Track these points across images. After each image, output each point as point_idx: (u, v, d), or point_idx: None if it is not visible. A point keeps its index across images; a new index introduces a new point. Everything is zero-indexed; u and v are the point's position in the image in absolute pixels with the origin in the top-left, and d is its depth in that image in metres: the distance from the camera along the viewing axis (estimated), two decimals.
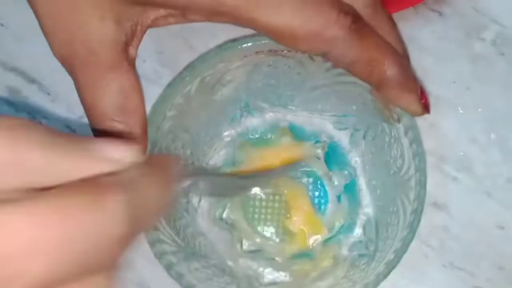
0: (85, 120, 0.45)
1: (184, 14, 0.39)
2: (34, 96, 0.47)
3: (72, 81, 0.37)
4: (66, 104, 0.46)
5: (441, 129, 0.45)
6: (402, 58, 0.39)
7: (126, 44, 0.37)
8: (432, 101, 0.42)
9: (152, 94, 0.41)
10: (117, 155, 0.24)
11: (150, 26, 0.39)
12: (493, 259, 0.44)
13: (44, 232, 0.20)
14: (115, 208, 0.22)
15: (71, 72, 0.37)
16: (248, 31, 0.43)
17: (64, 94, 0.46)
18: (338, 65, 0.38)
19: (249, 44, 0.40)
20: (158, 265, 0.40)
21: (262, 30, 0.37)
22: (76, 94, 0.38)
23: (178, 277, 0.40)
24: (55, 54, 0.37)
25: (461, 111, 0.45)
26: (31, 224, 0.20)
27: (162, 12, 0.39)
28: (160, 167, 0.27)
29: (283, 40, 0.38)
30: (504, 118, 0.45)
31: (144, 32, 0.39)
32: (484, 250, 0.44)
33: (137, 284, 0.45)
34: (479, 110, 0.45)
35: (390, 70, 0.37)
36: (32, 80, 0.47)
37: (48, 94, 0.47)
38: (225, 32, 0.44)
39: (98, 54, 0.36)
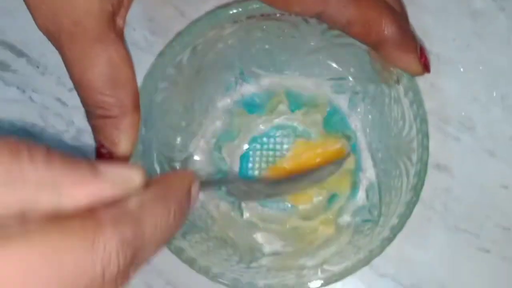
0: (75, 92, 0.44)
1: None
2: (23, 70, 0.46)
3: None
4: (56, 77, 0.45)
5: (442, 88, 0.44)
6: (400, 16, 0.38)
7: (113, 15, 0.36)
8: (432, 60, 0.42)
9: (143, 62, 0.40)
10: (119, 177, 0.24)
11: None
12: (498, 220, 0.44)
13: (33, 276, 0.20)
14: (110, 248, 0.22)
15: (58, 46, 0.36)
16: None
17: (54, 66, 0.45)
18: (334, 26, 0.37)
19: (240, 9, 0.39)
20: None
21: None
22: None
23: (178, 252, 0.39)
24: (40, 28, 0.36)
25: (462, 70, 0.44)
26: (21, 268, 0.20)
27: None
28: (169, 191, 0.26)
29: (275, 2, 0.36)
30: (506, 75, 0.44)
31: (131, 1, 0.38)
32: (488, 211, 0.44)
33: None
34: (480, 67, 0.44)
35: (388, 29, 0.36)
36: (20, 53, 0.46)
37: (37, 67, 0.46)
38: None
39: (84, 26, 0.35)
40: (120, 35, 0.37)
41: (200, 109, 0.44)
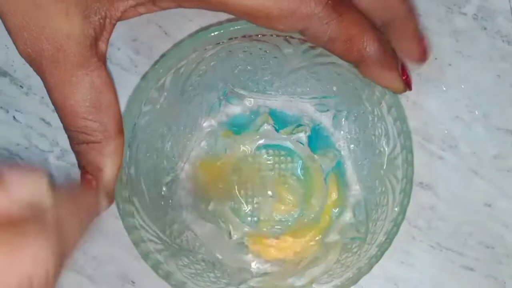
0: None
1: (154, 1, 0.37)
2: (6, 89, 0.46)
3: None
4: (40, 96, 0.45)
5: (424, 107, 0.44)
6: (381, 35, 0.38)
7: (95, 39, 0.36)
8: (414, 79, 0.42)
9: (127, 82, 0.41)
10: (30, 190, 0.26)
11: (120, 18, 0.38)
12: (481, 238, 0.44)
13: None
14: (37, 252, 0.24)
15: (39, 71, 0.36)
16: (222, 14, 0.42)
17: (37, 86, 0.45)
18: (316, 44, 0.38)
19: (222, 31, 0.39)
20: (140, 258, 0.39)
21: (235, 13, 0.36)
22: None
23: (167, 276, 0.39)
24: (21, 53, 0.36)
25: (444, 88, 0.45)
26: None
27: (131, 2, 0.37)
28: (80, 196, 0.28)
29: (258, 20, 0.37)
30: (488, 94, 0.45)
31: (114, 25, 0.38)
32: (471, 229, 0.44)
33: (120, 278, 0.45)
34: (462, 86, 0.45)
35: (369, 47, 0.37)
36: (3, 73, 0.46)
37: (21, 86, 0.46)
38: (199, 16, 0.43)
39: (66, 51, 0.35)
40: (102, 60, 0.37)
41: (185, 131, 0.44)
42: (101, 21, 0.36)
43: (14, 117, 0.45)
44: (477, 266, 0.44)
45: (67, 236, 0.26)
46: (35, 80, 0.44)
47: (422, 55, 0.40)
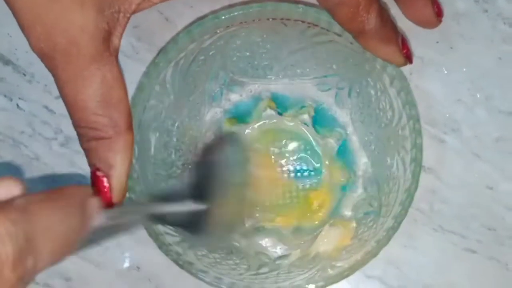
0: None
1: None
2: (10, 78, 0.46)
3: None
4: (43, 84, 0.46)
5: (426, 91, 0.44)
6: (383, 9, 0.38)
7: (109, 33, 0.36)
8: (416, 62, 0.42)
9: (130, 70, 0.41)
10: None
11: (134, 11, 0.38)
12: (483, 220, 0.44)
13: None
14: (1, 229, 0.23)
15: (51, 66, 0.36)
16: (222, 1, 0.42)
17: (40, 74, 0.45)
18: (324, 4, 0.38)
19: (217, 19, 0.39)
20: (147, 245, 0.40)
21: None
22: None
23: (188, 266, 0.39)
24: (33, 49, 0.36)
25: (445, 72, 0.45)
26: None
27: None
28: (61, 196, 0.27)
29: None
30: (489, 76, 0.45)
31: (128, 19, 0.37)
32: (473, 212, 0.44)
33: (125, 263, 0.45)
34: (464, 69, 0.45)
35: (371, 19, 0.37)
36: (6, 61, 0.46)
37: (24, 74, 0.46)
38: (200, 2, 0.43)
39: (79, 45, 0.35)
40: (115, 54, 0.37)
41: (189, 122, 0.44)
42: (115, 15, 0.36)
43: (17, 105, 0.46)
44: (479, 249, 0.44)
45: (41, 225, 0.25)
46: (38, 68, 0.45)
47: (437, 17, 0.40)
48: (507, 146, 0.44)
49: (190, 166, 0.43)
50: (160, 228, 0.39)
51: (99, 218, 0.29)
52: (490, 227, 0.44)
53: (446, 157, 0.44)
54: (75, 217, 0.27)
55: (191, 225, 0.36)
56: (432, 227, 0.44)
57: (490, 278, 0.44)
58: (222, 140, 0.43)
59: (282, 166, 0.45)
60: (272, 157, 0.45)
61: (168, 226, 0.39)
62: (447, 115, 0.45)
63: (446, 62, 0.45)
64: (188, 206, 0.36)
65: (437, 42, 0.44)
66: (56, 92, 0.43)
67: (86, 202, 0.28)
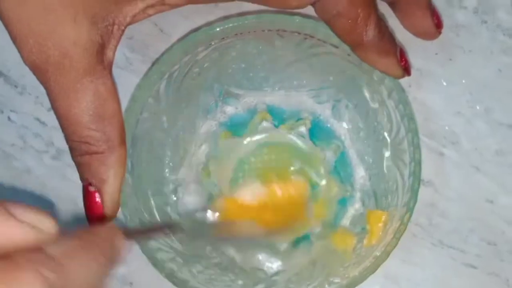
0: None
1: (163, 0, 0.37)
2: (0, 89, 0.45)
3: None
4: (34, 96, 0.45)
5: (425, 103, 0.44)
6: (381, 20, 0.38)
7: (102, 46, 0.36)
8: (414, 74, 0.42)
9: (123, 81, 0.40)
10: (35, 219, 0.23)
11: (129, 24, 0.37)
12: (483, 235, 0.43)
13: None
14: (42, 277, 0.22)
15: (44, 79, 0.36)
16: (218, 11, 0.41)
17: (32, 86, 0.45)
18: (322, 16, 0.37)
19: (212, 31, 0.39)
20: (140, 260, 0.39)
21: None
22: None
23: (182, 284, 0.39)
24: (25, 61, 0.35)
25: (444, 83, 0.44)
26: None
27: (140, 5, 0.37)
28: (93, 242, 0.26)
29: (270, 2, 0.37)
30: (489, 88, 0.44)
31: (123, 32, 0.37)
32: (473, 226, 0.43)
33: (118, 280, 0.44)
34: (463, 81, 0.44)
35: (370, 31, 0.37)
36: None
37: (15, 86, 0.45)
38: (195, 13, 0.43)
39: (72, 57, 0.35)
40: (108, 68, 0.36)
41: (184, 136, 0.43)
42: (109, 27, 0.36)
43: (8, 117, 0.45)
44: (479, 264, 0.43)
45: (74, 279, 0.24)
46: (30, 80, 0.44)
47: (437, 28, 0.40)
48: (507, 159, 0.44)
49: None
50: (154, 244, 0.39)
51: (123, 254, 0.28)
52: (490, 241, 0.43)
53: (445, 170, 0.44)
54: (105, 265, 0.26)
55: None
56: (431, 242, 0.43)
57: None
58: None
59: (278, 179, 0.44)
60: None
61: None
62: (446, 127, 0.44)
63: (445, 74, 0.44)
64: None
65: (436, 53, 0.44)
66: (48, 104, 0.43)
67: (114, 242, 0.27)
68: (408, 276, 0.43)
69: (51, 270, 0.22)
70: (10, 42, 0.36)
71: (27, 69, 0.36)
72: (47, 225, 0.24)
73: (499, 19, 0.44)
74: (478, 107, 0.44)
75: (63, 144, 0.44)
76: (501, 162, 0.44)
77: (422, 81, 0.44)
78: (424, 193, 0.43)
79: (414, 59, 0.43)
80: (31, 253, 0.23)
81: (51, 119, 0.44)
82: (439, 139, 0.44)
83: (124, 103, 0.39)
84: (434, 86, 0.44)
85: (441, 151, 0.44)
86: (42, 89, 0.36)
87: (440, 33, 0.40)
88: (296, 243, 0.44)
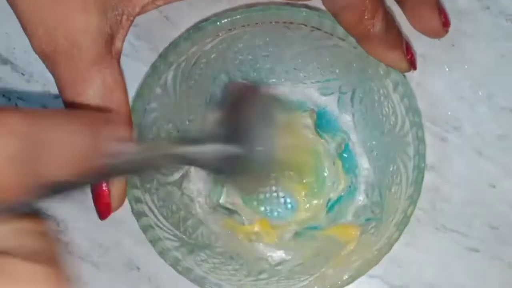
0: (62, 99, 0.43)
1: None
2: (7, 77, 0.45)
3: None
4: (41, 84, 0.45)
5: (427, 89, 0.44)
6: (388, 14, 0.38)
7: (111, 36, 0.36)
8: (417, 60, 0.42)
9: (129, 69, 0.40)
10: None
11: (138, 14, 0.38)
12: (486, 219, 0.44)
13: None
14: (12, 125, 0.22)
15: (53, 68, 0.36)
16: (224, 4, 0.41)
17: (39, 73, 0.45)
18: (329, 8, 0.37)
19: (220, 22, 0.39)
20: (147, 245, 0.39)
21: None
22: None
23: (187, 272, 0.39)
24: (35, 50, 0.36)
25: (447, 69, 0.44)
26: None
27: None
28: (83, 114, 0.27)
29: None
30: (491, 74, 0.44)
31: (131, 22, 0.37)
32: (476, 210, 0.44)
33: (125, 265, 0.45)
34: (466, 67, 0.44)
35: (376, 24, 0.37)
36: (4, 61, 0.45)
37: (22, 74, 0.45)
38: (202, 2, 0.43)
39: (81, 47, 0.35)
40: (116, 58, 0.37)
41: (190, 125, 0.44)
42: (118, 17, 0.36)
43: (16, 104, 0.45)
44: (482, 247, 0.44)
45: (42, 150, 0.23)
46: (37, 67, 0.45)
47: (444, 27, 0.40)
48: (510, 143, 0.44)
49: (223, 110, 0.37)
50: (159, 233, 0.39)
51: (114, 147, 0.26)
52: (493, 225, 0.44)
53: (448, 155, 0.44)
54: (86, 137, 0.25)
55: (220, 168, 0.32)
56: (435, 226, 0.44)
57: (493, 277, 0.44)
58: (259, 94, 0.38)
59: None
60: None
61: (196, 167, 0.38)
62: (449, 113, 0.44)
63: (448, 60, 0.44)
64: (218, 149, 0.32)
65: (439, 39, 0.44)
66: (55, 91, 0.43)
67: (100, 126, 0.26)
68: (412, 259, 0.44)
69: (23, 129, 0.22)
70: (17, 30, 0.36)
71: (34, 56, 0.37)
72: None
73: (502, 5, 0.44)
74: (480, 92, 0.44)
75: None
76: (503, 147, 0.44)
77: (425, 67, 0.44)
78: (427, 178, 0.43)
79: (417, 45, 0.43)
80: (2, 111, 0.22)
81: (58, 106, 0.45)
82: (441, 124, 0.44)
83: (130, 91, 0.39)
84: (437, 72, 0.44)
85: (444, 136, 0.44)
86: (49, 76, 0.37)
87: (447, 31, 0.41)
88: (299, 233, 0.44)
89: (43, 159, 0.23)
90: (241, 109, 0.34)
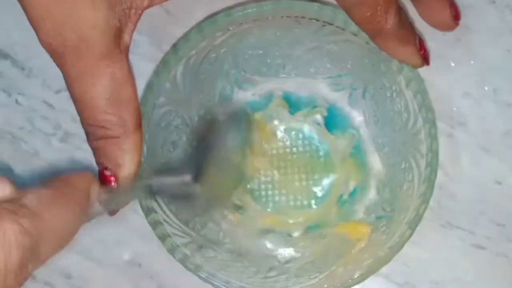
0: (62, 94, 0.43)
1: None
2: (8, 72, 0.45)
3: (47, 55, 0.35)
4: (42, 79, 0.45)
5: (433, 84, 0.44)
6: (401, 9, 0.38)
7: (120, 30, 0.36)
8: None
9: (131, 64, 0.40)
10: None
11: (146, 8, 0.37)
12: (492, 216, 0.43)
13: None
14: (10, 237, 0.23)
15: (60, 62, 0.35)
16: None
17: (39, 68, 0.45)
18: (342, 3, 0.37)
19: (230, 17, 0.39)
20: (149, 242, 0.39)
21: None
22: (51, 68, 0.36)
23: (196, 269, 0.39)
24: (43, 44, 0.35)
25: (452, 64, 0.44)
26: None
27: None
28: (68, 192, 0.28)
29: None
30: (498, 69, 0.44)
31: (140, 16, 0.37)
32: (482, 207, 0.44)
33: (126, 261, 0.44)
34: (471, 62, 0.44)
35: (390, 20, 0.37)
36: (4, 55, 0.45)
37: (22, 69, 0.45)
38: None
39: (89, 41, 0.34)
40: (125, 52, 0.36)
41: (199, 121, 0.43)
42: (126, 11, 0.36)
43: (16, 100, 0.45)
44: (488, 245, 0.43)
45: (52, 225, 0.26)
46: (37, 62, 0.44)
47: (455, 20, 0.40)
48: None
49: (191, 140, 0.43)
50: (168, 229, 0.39)
51: (98, 205, 0.30)
52: (499, 222, 0.43)
53: (454, 151, 0.44)
54: (80, 212, 0.28)
55: (183, 197, 0.37)
56: (440, 223, 0.43)
57: (499, 274, 0.44)
58: (229, 118, 0.42)
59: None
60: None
61: (163, 199, 0.39)
62: (454, 108, 0.44)
63: (453, 55, 0.44)
64: (185, 179, 0.36)
65: (444, 34, 0.44)
66: (55, 86, 0.43)
67: (89, 193, 0.29)
68: (416, 257, 0.43)
69: (26, 218, 0.24)
70: (17, 24, 0.36)
71: (34, 51, 0.36)
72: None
73: None
74: (486, 88, 0.44)
75: (71, 127, 0.44)
76: (509, 143, 0.44)
77: (430, 62, 0.44)
78: None
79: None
80: (6, 203, 0.24)
81: (58, 101, 0.44)
82: (447, 120, 0.44)
83: (137, 87, 0.38)
84: (442, 67, 0.44)
85: (450, 132, 0.44)
86: (49, 71, 0.36)
87: (457, 24, 0.40)
88: (309, 231, 0.44)
89: (41, 255, 0.25)
90: (205, 143, 0.39)
